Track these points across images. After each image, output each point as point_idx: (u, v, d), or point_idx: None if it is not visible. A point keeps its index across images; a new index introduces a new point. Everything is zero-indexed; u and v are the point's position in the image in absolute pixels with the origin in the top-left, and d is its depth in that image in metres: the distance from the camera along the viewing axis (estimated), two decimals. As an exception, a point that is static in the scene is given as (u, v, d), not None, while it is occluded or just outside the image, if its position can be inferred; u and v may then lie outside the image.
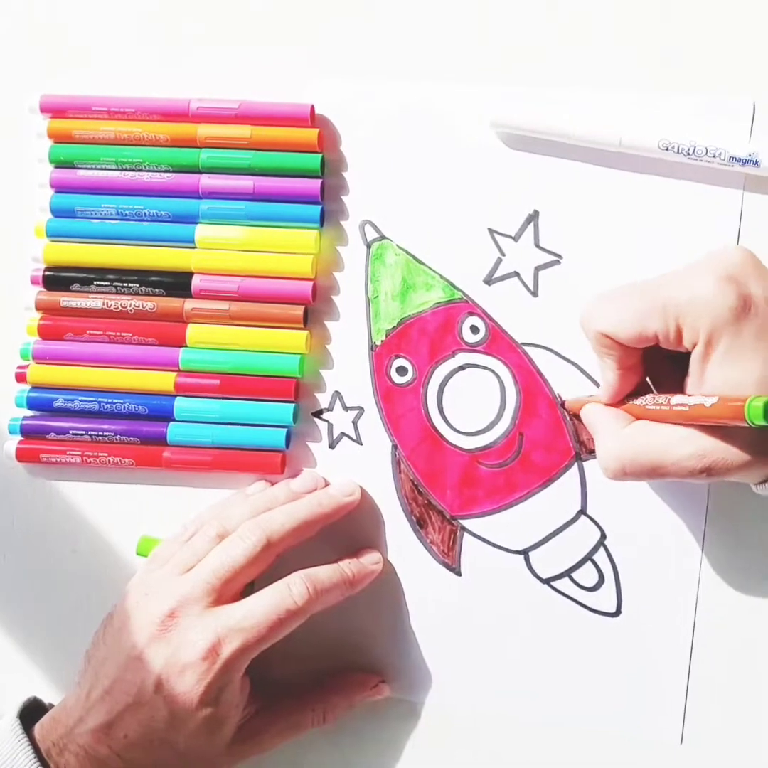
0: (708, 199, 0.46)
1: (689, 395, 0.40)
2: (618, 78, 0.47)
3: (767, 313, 0.39)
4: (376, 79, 0.49)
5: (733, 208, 0.46)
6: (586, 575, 0.48)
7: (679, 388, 0.42)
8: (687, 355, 0.40)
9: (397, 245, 0.49)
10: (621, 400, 0.44)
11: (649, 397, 0.42)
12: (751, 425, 0.36)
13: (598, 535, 0.48)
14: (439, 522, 0.49)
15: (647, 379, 0.44)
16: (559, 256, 0.48)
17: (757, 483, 0.41)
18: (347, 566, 0.47)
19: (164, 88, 0.49)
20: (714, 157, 0.45)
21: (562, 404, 0.48)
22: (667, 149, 0.45)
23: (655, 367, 0.43)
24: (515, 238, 0.48)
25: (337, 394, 0.50)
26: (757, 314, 0.39)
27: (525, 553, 0.49)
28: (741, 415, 0.36)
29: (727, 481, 0.45)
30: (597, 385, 0.47)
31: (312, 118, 0.48)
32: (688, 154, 0.45)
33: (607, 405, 0.44)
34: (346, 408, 0.50)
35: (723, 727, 0.48)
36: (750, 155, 0.45)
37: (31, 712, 0.46)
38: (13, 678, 0.52)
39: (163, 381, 0.49)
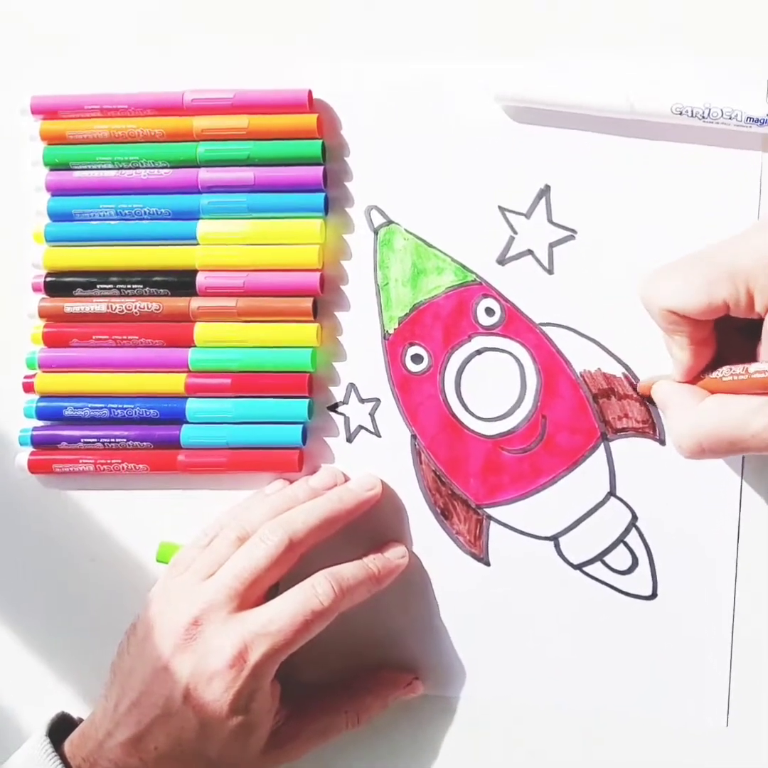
0: (726, 163, 0.45)
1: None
2: (625, 43, 0.46)
3: None
4: (374, 60, 0.47)
5: (752, 171, 0.45)
6: (619, 559, 0.47)
7: (753, 359, 0.40)
8: (759, 324, 0.39)
9: (405, 229, 0.48)
10: (695, 377, 0.42)
11: (725, 368, 0.41)
12: None
13: (629, 516, 0.47)
14: (464, 512, 0.48)
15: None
16: (573, 230, 0.47)
17: None
18: (372, 562, 0.46)
19: (157, 81, 0.48)
20: (730, 119, 0.43)
21: (635, 390, 0.46)
22: (680, 113, 0.44)
23: (726, 340, 0.42)
24: (527, 215, 0.47)
25: (351, 387, 0.49)
26: None
27: (555, 539, 0.47)
28: None
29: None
30: (620, 362, 0.46)
31: (310, 104, 0.47)
32: (703, 117, 0.44)
33: (679, 382, 0.43)
34: (361, 400, 0.48)
35: (769, 707, 0.47)
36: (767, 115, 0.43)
37: (60, 728, 0.45)
38: (40, 694, 0.51)
39: (173, 383, 0.48)
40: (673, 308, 0.40)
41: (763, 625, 0.46)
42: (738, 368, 0.40)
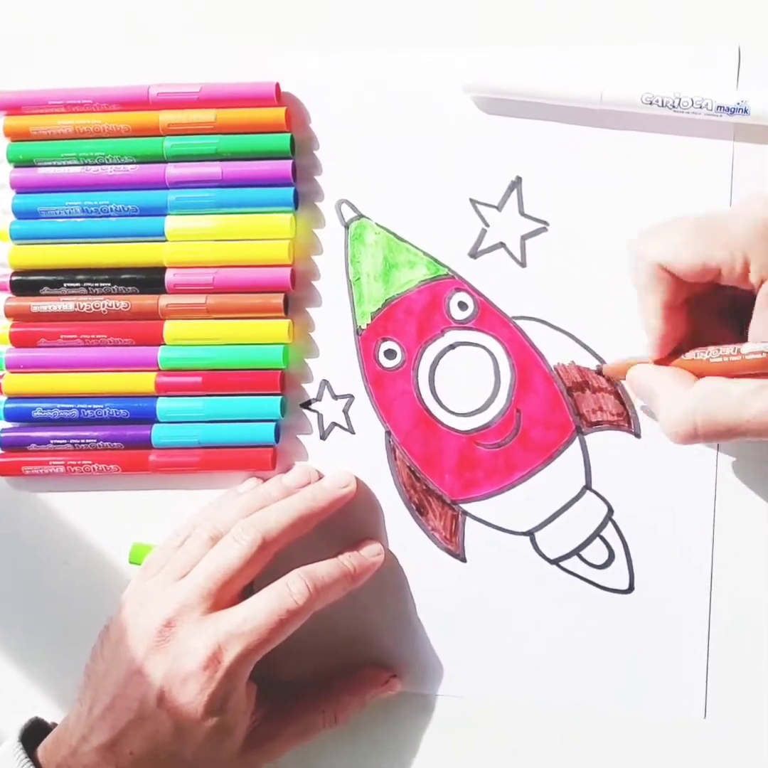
0: (697, 153, 0.44)
1: (763, 342, 0.37)
2: (595, 33, 0.45)
3: None
4: (341, 51, 0.47)
5: (724, 160, 0.44)
6: (596, 553, 0.47)
7: (729, 342, 0.39)
8: (736, 312, 0.39)
9: (376, 223, 0.47)
10: (669, 356, 0.41)
11: (711, 349, 0.39)
12: None
13: (605, 510, 0.46)
14: (439, 508, 0.48)
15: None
16: (545, 222, 0.46)
17: None
18: (347, 560, 0.46)
19: (121, 76, 0.48)
20: (701, 108, 0.43)
21: (599, 371, 0.46)
22: (651, 103, 0.43)
23: (702, 325, 0.41)
24: (499, 208, 0.46)
25: (325, 383, 0.48)
26: None
27: (530, 534, 0.47)
28: None
29: (736, 444, 0.44)
30: (594, 355, 0.46)
31: (278, 97, 0.47)
32: (674, 106, 0.43)
33: (655, 362, 0.41)
34: (335, 397, 0.48)
35: (747, 698, 0.46)
36: (738, 103, 0.43)
37: (34, 734, 0.45)
38: (12, 698, 0.51)
39: (143, 382, 0.48)
40: (665, 263, 0.39)
41: (739, 618, 0.46)
42: (728, 349, 0.39)
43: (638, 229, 0.41)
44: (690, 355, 0.41)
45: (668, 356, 0.41)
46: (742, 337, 0.39)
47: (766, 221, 0.37)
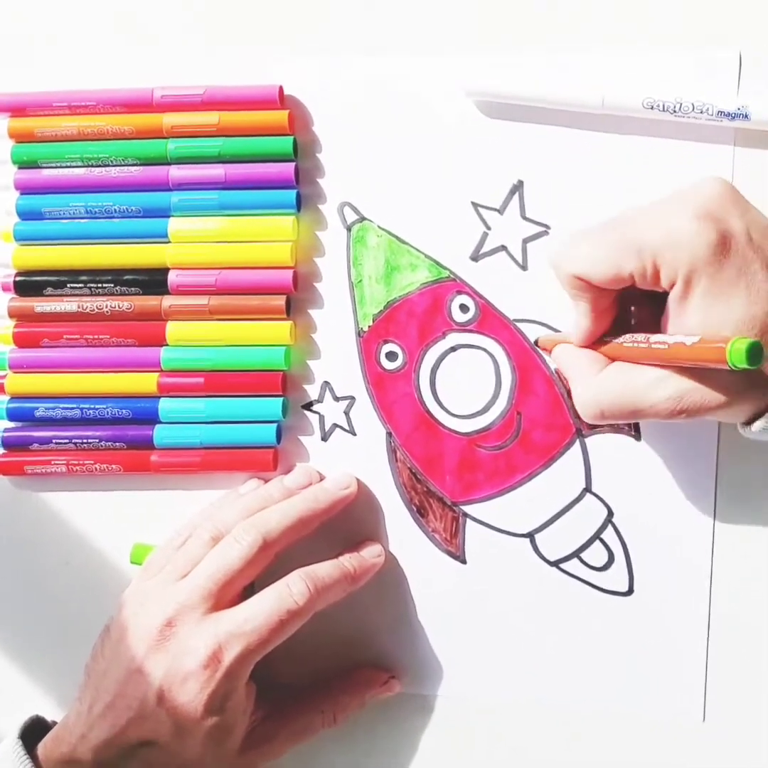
0: (698, 158, 0.45)
1: (670, 336, 0.38)
2: (597, 38, 0.45)
3: (747, 249, 0.37)
4: (344, 54, 0.47)
5: (724, 165, 0.44)
6: (596, 555, 0.47)
7: (656, 328, 0.40)
8: (664, 295, 0.39)
9: (378, 226, 0.47)
10: (594, 342, 0.43)
11: (627, 336, 0.41)
12: (733, 368, 0.34)
13: (605, 513, 0.47)
14: (440, 509, 0.48)
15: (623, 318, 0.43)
16: (547, 226, 0.46)
17: (742, 424, 0.40)
18: (348, 561, 0.46)
19: (126, 78, 0.48)
20: (702, 112, 0.43)
21: (536, 342, 0.46)
22: (652, 108, 0.43)
23: (631, 306, 0.42)
24: (500, 211, 0.47)
25: (326, 385, 0.48)
26: (737, 251, 0.37)
27: (531, 535, 0.47)
28: (723, 357, 0.34)
29: (737, 447, 0.44)
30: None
31: (281, 100, 0.47)
32: (675, 111, 0.43)
33: (580, 346, 0.43)
34: (336, 398, 0.48)
35: (746, 701, 0.46)
36: (739, 109, 0.43)
37: (34, 731, 0.45)
38: (13, 696, 0.51)
39: (145, 382, 0.48)
40: (580, 274, 0.40)
41: (739, 621, 0.46)
42: (640, 337, 0.40)
43: (556, 243, 0.42)
44: (607, 340, 0.42)
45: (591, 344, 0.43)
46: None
47: (676, 230, 0.38)
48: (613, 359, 0.42)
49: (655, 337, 0.39)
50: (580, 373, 0.42)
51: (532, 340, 0.47)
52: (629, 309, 0.43)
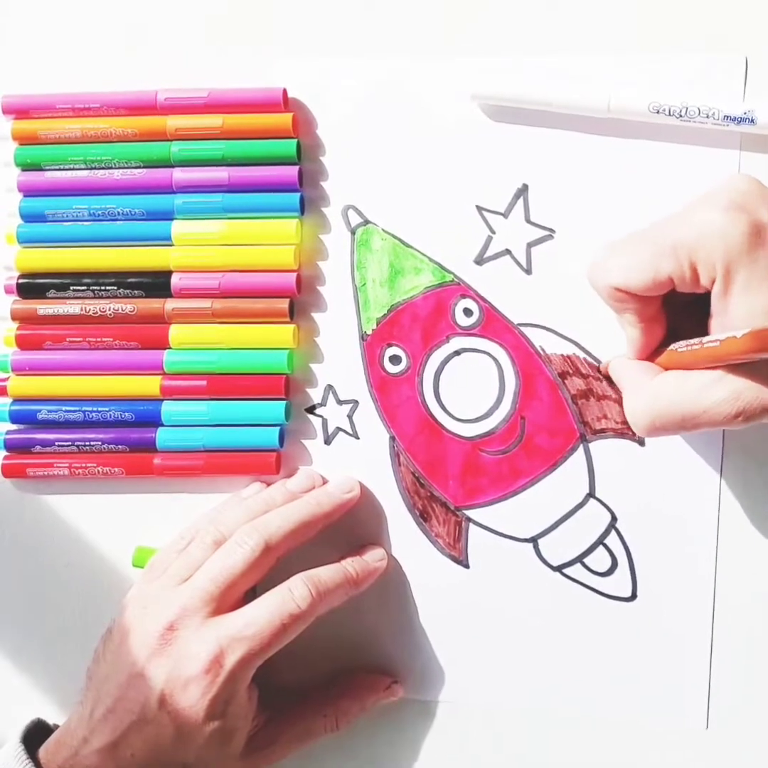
0: (704, 162, 0.45)
1: (720, 334, 0.38)
2: (603, 41, 0.45)
3: None
4: (349, 57, 0.47)
5: (730, 170, 0.44)
6: (599, 560, 0.47)
7: (705, 334, 0.40)
8: (706, 300, 0.39)
9: (382, 229, 0.47)
10: (650, 354, 0.42)
11: (682, 342, 0.40)
12: None
13: (608, 518, 0.46)
14: (443, 514, 0.48)
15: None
16: (551, 230, 0.46)
17: None
18: (350, 565, 0.46)
19: (130, 80, 0.48)
20: (708, 117, 0.43)
21: (599, 370, 0.46)
22: (658, 112, 0.43)
23: (679, 316, 0.42)
24: (505, 215, 0.46)
25: (329, 388, 0.48)
26: None
27: (534, 540, 0.47)
28: None
29: (741, 453, 0.44)
30: (598, 363, 0.46)
31: (285, 102, 0.47)
32: (681, 116, 0.43)
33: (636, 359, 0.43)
34: (339, 402, 0.48)
35: (750, 708, 0.46)
36: (745, 113, 0.43)
37: (36, 735, 0.45)
38: (15, 700, 0.51)
39: (148, 385, 0.48)
40: (618, 285, 0.40)
41: (742, 628, 0.46)
42: (693, 340, 0.40)
43: (591, 259, 0.42)
44: (664, 349, 0.42)
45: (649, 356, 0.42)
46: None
47: (708, 224, 0.38)
48: (667, 368, 0.41)
49: (708, 338, 0.38)
50: (631, 383, 0.42)
51: (599, 367, 0.46)
52: (681, 322, 0.42)
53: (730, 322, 0.38)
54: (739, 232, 0.37)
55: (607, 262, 0.41)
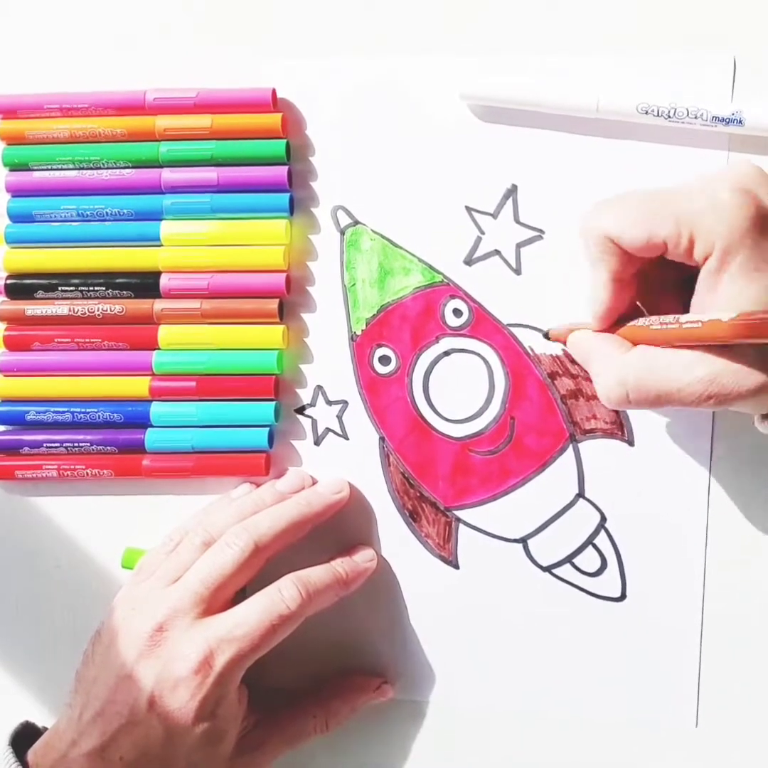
0: (692, 162, 0.45)
1: (702, 314, 0.38)
2: (591, 42, 0.45)
3: None
4: (338, 57, 0.47)
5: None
6: (588, 560, 0.47)
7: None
8: (681, 283, 0.39)
9: (371, 230, 0.47)
10: (611, 326, 0.42)
11: (653, 318, 0.40)
12: None
13: (598, 518, 0.46)
14: (432, 514, 0.47)
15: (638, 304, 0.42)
16: (541, 230, 0.46)
17: (764, 416, 0.39)
18: (340, 566, 0.46)
19: (118, 80, 0.47)
20: (696, 118, 0.43)
21: (546, 335, 0.46)
22: (646, 112, 0.43)
23: (647, 299, 0.42)
24: (494, 215, 0.46)
25: (319, 389, 0.48)
26: None
27: (523, 541, 0.47)
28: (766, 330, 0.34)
29: (730, 453, 0.44)
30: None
31: (274, 102, 0.46)
32: (669, 116, 0.43)
33: (598, 331, 0.42)
34: (329, 402, 0.48)
35: (739, 707, 0.46)
36: (733, 114, 0.43)
37: (24, 738, 0.44)
38: (2, 702, 0.51)
39: (137, 386, 0.48)
40: (612, 235, 0.39)
41: (732, 627, 0.46)
42: (669, 318, 0.39)
43: (592, 203, 0.41)
44: (631, 323, 0.41)
45: (609, 327, 0.42)
46: (684, 311, 0.40)
47: (717, 200, 0.37)
48: (637, 343, 0.40)
49: (685, 317, 0.38)
50: (602, 356, 0.41)
51: (542, 333, 0.46)
52: (647, 299, 0.42)
53: (716, 300, 0.38)
54: (746, 214, 0.37)
55: (607, 208, 0.40)
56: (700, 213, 0.38)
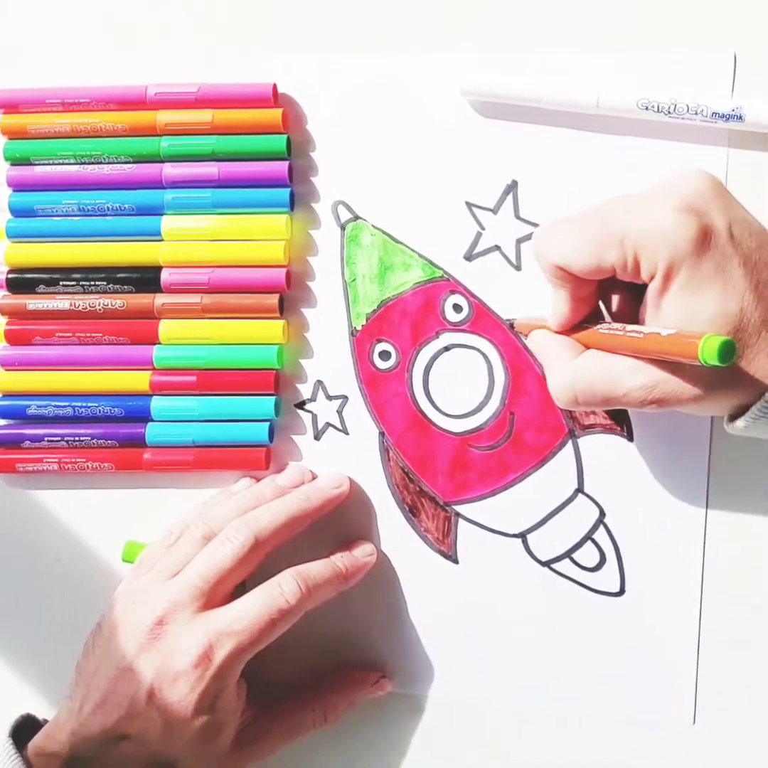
0: (692, 159, 0.44)
1: (645, 327, 0.38)
2: (592, 38, 0.45)
3: (727, 245, 0.37)
4: (339, 53, 0.47)
5: (718, 166, 0.44)
6: (587, 555, 0.47)
7: (634, 318, 0.40)
8: (643, 286, 0.39)
9: (372, 225, 0.47)
10: (569, 329, 0.42)
11: (604, 324, 0.41)
12: (704, 364, 0.34)
13: (596, 513, 0.47)
14: (432, 509, 0.48)
15: (600, 306, 0.43)
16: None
17: (727, 420, 0.40)
18: (339, 560, 0.46)
19: (119, 75, 0.47)
20: (696, 114, 0.43)
21: (511, 325, 0.46)
22: (646, 108, 0.43)
23: (610, 295, 0.42)
24: (494, 211, 0.46)
25: (319, 384, 0.48)
26: (716, 246, 0.37)
27: (522, 536, 0.47)
28: (695, 352, 0.34)
29: (729, 449, 0.44)
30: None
31: (275, 98, 0.47)
32: (669, 112, 0.43)
33: (557, 332, 0.43)
34: (329, 397, 0.48)
35: (736, 704, 0.46)
36: (733, 110, 0.43)
37: (25, 730, 0.45)
38: (3, 695, 0.51)
39: (138, 381, 0.48)
40: (561, 264, 0.40)
41: (730, 623, 0.46)
42: (617, 325, 0.40)
43: (539, 226, 0.41)
44: (585, 328, 0.42)
45: (568, 330, 0.43)
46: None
47: (658, 222, 0.37)
48: (588, 347, 0.41)
49: (631, 327, 0.39)
50: (555, 358, 0.42)
51: (508, 323, 0.46)
52: (609, 298, 0.42)
53: (660, 319, 0.38)
54: (686, 235, 0.37)
55: (554, 238, 0.40)
56: (644, 235, 0.38)
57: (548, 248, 0.40)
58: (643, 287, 0.39)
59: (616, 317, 0.42)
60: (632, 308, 0.41)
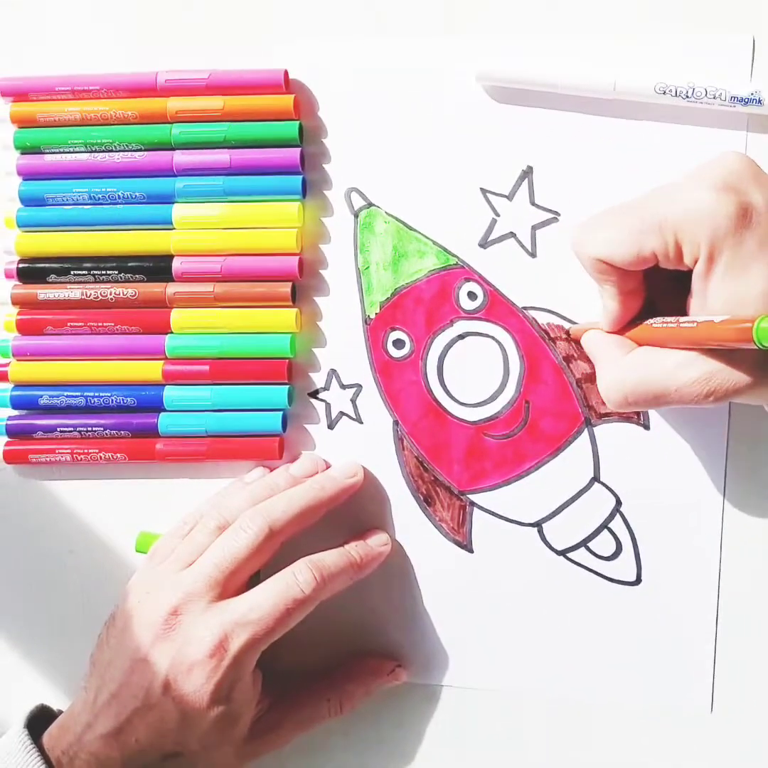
0: (710, 143, 0.44)
1: (698, 315, 0.38)
2: (608, 22, 0.45)
3: None
4: (351, 39, 0.46)
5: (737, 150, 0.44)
6: (603, 544, 0.47)
7: (683, 311, 0.40)
8: (688, 276, 0.38)
9: (385, 212, 0.47)
10: (622, 328, 0.42)
11: (658, 318, 0.40)
12: (760, 347, 0.33)
13: (613, 502, 0.46)
14: (447, 498, 0.47)
15: (653, 303, 0.42)
16: (556, 213, 0.46)
17: None
18: (354, 549, 0.46)
19: (129, 62, 0.47)
20: (714, 98, 0.43)
21: (568, 334, 0.46)
22: (664, 93, 0.43)
23: (658, 290, 0.41)
24: (509, 197, 0.46)
25: (332, 372, 0.48)
26: (759, 223, 0.37)
27: (538, 525, 0.47)
28: (749, 336, 0.33)
29: (747, 437, 0.44)
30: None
31: (286, 84, 0.46)
32: (687, 96, 0.43)
33: (609, 332, 0.42)
34: (343, 386, 0.48)
35: (754, 693, 0.46)
36: (752, 94, 0.42)
37: (40, 721, 0.45)
38: (19, 686, 0.51)
39: (150, 370, 0.48)
40: (602, 257, 0.39)
41: (747, 611, 0.46)
42: (670, 319, 0.39)
43: (576, 226, 0.41)
44: (637, 324, 0.41)
45: (621, 329, 0.42)
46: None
47: (696, 203, 0.37)
48: (641, 344, 0.41)
49: (684, 319, 0.38)
50: (605, 357, 0.42)
51: (564, 335, 0.46)
52: (659, 294, 0.42)
53: (709, 304, 0.38)
54: (726, 213, 0.36)
55: (592, 232, 0.40)
56: (682, 218, 0.37)
57: (587, 243, 0.40)
58: (689, 276, 0.39)
59: (664, 312, 0.41)
60: (682, 301, 0.40)
